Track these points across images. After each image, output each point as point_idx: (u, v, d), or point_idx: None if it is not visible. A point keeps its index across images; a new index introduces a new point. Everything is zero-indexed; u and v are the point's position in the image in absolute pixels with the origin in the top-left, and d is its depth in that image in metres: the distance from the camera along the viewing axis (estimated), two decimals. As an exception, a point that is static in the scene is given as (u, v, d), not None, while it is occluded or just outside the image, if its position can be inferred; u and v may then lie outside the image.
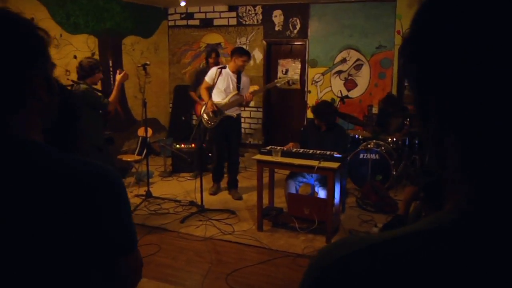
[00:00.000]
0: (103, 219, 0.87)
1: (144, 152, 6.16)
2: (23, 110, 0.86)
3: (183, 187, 6.15)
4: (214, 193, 5.80)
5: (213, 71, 5.40)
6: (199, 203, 5.18)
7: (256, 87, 5.62)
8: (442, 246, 0.47)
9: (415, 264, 0.47)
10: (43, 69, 0.89)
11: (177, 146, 6.91)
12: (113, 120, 7.42)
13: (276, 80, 5.82)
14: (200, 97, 6.08)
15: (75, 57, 6.61)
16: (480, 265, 0.44)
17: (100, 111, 4.45)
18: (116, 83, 4.61)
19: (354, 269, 0.49)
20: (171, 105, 8.95)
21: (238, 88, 5.40)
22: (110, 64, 7.40)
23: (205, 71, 6.20)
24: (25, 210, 0.79)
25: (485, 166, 0.46)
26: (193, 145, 6.73)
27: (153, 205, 5.32)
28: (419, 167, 5.36)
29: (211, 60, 6.49)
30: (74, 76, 6.55)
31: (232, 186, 5.77)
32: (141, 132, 6.01)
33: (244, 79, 5.46)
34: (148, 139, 6.04)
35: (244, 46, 8.17)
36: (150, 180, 6.09)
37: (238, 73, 5.41)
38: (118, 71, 4.69)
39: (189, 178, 6.58)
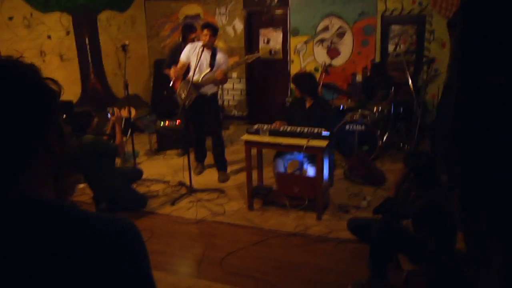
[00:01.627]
0: (126, 278, 0.83)
1: (129, 132, 6.08)
2: (34, 166, 0.83)
3: (170, 166, 6.11)
4: (199, 173, 5.74)
5: (187, 48, 5.27)
6: (188, 184, 5.16)
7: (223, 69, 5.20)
8: None
9: None
10: (54, 121, 0.86)
11: (162, 123, 6.81)
12: (94, 99, 7.29)
13: (246, 57, 5.24)
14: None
15: (49, 37, 6.37)
16: None
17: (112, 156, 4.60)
18: (116, 126, 4.63)
19: None
20: (152, 79, 8.78)
21: (211, 65, 5.19)
22: (87, 42, 7.16)
23: (181, 48, 5.99)
24: (42, 275, 0.76)
25: None
26: (178, 121, 6.61)
27: (142, 187, 5.27)
28: (409, 148, 5.40)
29: (192, 35, 6.10)
30: (49, 58, 6.38)
31: (220, 167, 5.64)
32: (124, 113, 5.88)
33: (219, 55, 5.20)
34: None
35: (224, 17, 7.99)
36: (137, 160, 6.05)
37: (212, 49, 5.20)
38: (110, 112, 4.67)
39: (176, 156, 6.53)
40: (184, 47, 5.54)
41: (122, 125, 5.85)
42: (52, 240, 0.77)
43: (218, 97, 5.72)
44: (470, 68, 2.09)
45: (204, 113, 5.40)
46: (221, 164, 5.64)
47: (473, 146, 1.70)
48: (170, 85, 5.84)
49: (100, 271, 0.79)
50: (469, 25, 2.03)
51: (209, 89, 5.34)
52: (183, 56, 5.27)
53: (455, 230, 3.15)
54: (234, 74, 8.24)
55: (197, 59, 5.05)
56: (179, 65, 5.31)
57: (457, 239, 3.25)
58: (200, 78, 5.22)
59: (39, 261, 0.76)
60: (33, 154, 0.82)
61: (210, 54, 5.19)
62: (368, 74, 7.03)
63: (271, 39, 7.91)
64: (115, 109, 4.67)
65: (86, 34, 7.14)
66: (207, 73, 5.19)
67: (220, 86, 7.80)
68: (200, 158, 5.84)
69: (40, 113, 0.81)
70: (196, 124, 5.55)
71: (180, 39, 6.49)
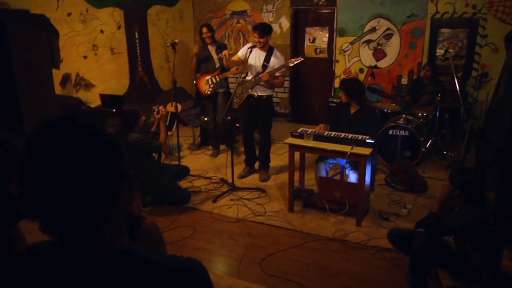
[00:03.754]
0: None
1: (174, 126, 6.24)
2: (113, 216, 0.91)
3: (212, 162, 6.25)
4: (242, 176, 5.65)
5: (245, 47, 5.34)
6: (230, 181, 5.27)
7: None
8: None
9: None
10: (126, 174, 0.92)
11: (206, 119, 6.93)
12: (140, 91, 7.50)
13: (289, 61, 5.17)
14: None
15: (101, 31, 6.59)
16: None
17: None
18: (161, 124, 4.74)
19: None
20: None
21: (264, 66, 5.23)
22: (136, 36, 7.37)
23: (204, 50, 6.10)
24: None
25: None
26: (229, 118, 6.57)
27: (184, 181, 5.41)
28: (455, 165, 5.29)
29: (203, 36, 6.09)
30: (100, 51, 6.61)
31: (262, 166, 5.67)
32: (170, 107, 6.05)
33: (273, 57, 5.20)
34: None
35: (271, 14, 8.02)
36: (180, 154, 6.20)
37: (269, 50, 5.26)
38: (155, 111, 4.77)
39: (210, 156, 6.55)
40: (207, 48, 6.03)
41: (168, 120, 6.02)
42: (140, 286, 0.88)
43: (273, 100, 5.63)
44: None
45: (256, 114, 5.41)
46: (264, 163, 5.67)
47: None
48: (194, 82, 6.34)
49: None
50: None
51: (263, 91, 5.33)
52: (239, 52, 5.39)
53: (501, 248, 3.11)
54: (278, 72, 8.25)
55: (245, 59, 5.18)
56: (234, 57, 5.41)
57: (503, 257, 3.21)
58: (251, 79, 5.31)
59: None
60: (113, 206, 0.89)
61: (265, 55, 5.23)
62: (415, 76, 6.92)
63: (316, 38, 7.89)
64: (161, 108, 4.78)
65: (136, 28, 7.34)
66: (258, 74, 5.23)
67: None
68: (248, 161, 5.77)
69: (115, 168, 0.88)
70: (245, 124, 5.56)
71: (200, 41, 6.39)
